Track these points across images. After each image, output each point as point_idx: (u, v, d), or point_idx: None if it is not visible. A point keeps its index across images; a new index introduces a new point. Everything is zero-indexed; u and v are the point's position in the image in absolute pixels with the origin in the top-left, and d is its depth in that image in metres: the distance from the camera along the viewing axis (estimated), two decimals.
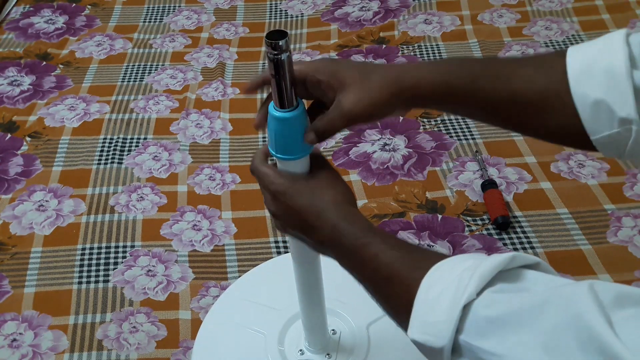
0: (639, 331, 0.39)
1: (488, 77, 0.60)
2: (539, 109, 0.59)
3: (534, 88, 0.59)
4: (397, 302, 0.53)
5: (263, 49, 1.58)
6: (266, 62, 0.62)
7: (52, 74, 1.52)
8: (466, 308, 0.46)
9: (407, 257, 0.55)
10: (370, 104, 0.62)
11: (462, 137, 1.31)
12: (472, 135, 1.32)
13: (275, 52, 0.59)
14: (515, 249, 1.09)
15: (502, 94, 0.60)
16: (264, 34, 1.66)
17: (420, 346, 0.50)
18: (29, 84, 1.49)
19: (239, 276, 1.06)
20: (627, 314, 0.40)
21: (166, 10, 1.74)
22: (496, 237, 1.11)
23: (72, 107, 1.42)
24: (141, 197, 1.21)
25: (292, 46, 1.58)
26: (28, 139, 1.34)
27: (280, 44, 0.58)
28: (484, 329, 0.45)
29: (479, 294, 0.47)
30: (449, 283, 0.49)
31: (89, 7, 1.75)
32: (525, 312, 0.44)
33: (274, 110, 0.63)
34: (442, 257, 0.52)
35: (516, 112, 0.60)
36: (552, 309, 0.42)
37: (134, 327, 1.01)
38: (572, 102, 0.57)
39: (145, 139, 1.34)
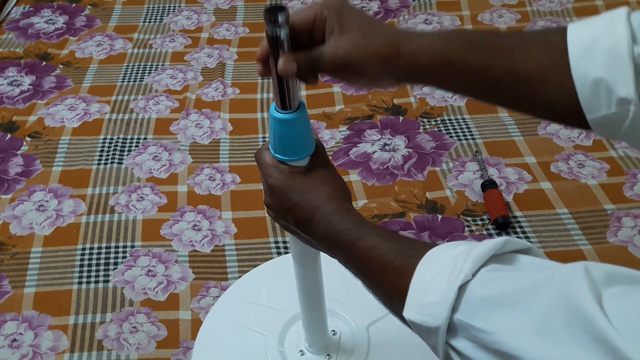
0: (626, 308, 0.40)
1: (489, 48, 0.59)
2: (537, 84, 0.58)
3: (533, 63, 0.58)
4: (392, 289, 0.54)
5: None
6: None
7: (52, 74, 1.52)
8: (461, 289, 0.47)
9: (400, 247, 0.55)
10: (365, 55, 0.59)
11: (462, 137, 1.31)
12: (472, 135, 1.32)
13: (274, 26, 0.57)
14: None
15: (501, 67, 0.58)
16: (264, 34, 1.67)
17: (416, 326, 0.51)
18: (29, 84, 1.49)
19: (239, 276, 1.06)
20: (616, 291, 0.41)
21: (166, 10, 1.74)
22: (496, 237, 1.11)
23: (72, 107, 1.42)
24: (141, 197, 1.21)
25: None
26: (28, 139, 1.34)
27: (279, 17, 0.56)
28: (478, 308, 0.46)
29: (474, 275, 0.47)
30: (443, 266, 0.49)
31: (89, 7, 1.75)
32: (520, 292, 0.44)
33: (275, 112, 0.63)
34: (434, 245, 0.53)
35: (514, 86, 0.59)
36: (546, 289, 0.43)
37: (134, 327, 1.01)
38: (571, 80, 0.56)
39: (145, 139, 1.34)
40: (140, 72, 1.52)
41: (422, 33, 0.61)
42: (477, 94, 0.62)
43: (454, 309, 0.47)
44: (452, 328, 0.48)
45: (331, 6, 0.60)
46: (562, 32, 0.58)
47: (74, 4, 1.76)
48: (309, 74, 0.61)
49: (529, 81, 0.58)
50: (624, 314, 0.39)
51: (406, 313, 0.51)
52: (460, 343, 0.47)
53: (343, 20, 0.59)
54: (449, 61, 0.59)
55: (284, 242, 1.13)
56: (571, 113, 0.57)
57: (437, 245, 0.53)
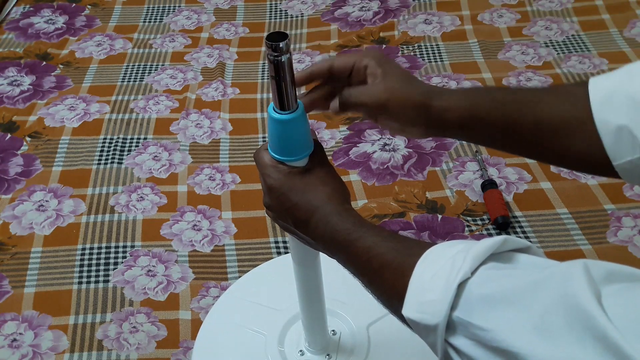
0: (626, 306, 0.40)
1: (513, 103, 0.62)
2: (562, 135, 0.60)
3: (557, 114, 0.60)
4: (391, 289, 0.54)
5: (263, 49, 1.58)
6: (267, 62, 0.62)
7: (52, 74, 1.52)
8: (460, 286, 0.48)
9: (399, 247, 0.56)
10: (403, 96, 0.64)
11: None
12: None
13: (276, 54, 0.59)
14: None
15: (527, 120, 0.62)
16: (264, 34, 1.67)
17: (415, 324, 0.51)
18: (29, 84, 1.49)
19: (239, 276, 1.06)
20: (615, 288, 0.41)
21: (166, 10, 1.74)
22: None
23: (72, 107, 1.42)
24: (141, 197, 1.21)
25: (292, 46, 1.58)
26: (28, 139, 1.34)
27: (280, 45, 0.58)
28: (477, 306, 0.46)
29: (473, 273, 0.48)
30: (442, 264, 0.50)
31: (89, 7, 1.75)
32: (519, 290, 0.45)
33: (273, 112, 0.63)
34: (433, 244, 0.54)
35: (540, 138, 0.62)
36: (545, 287, 0.43)
37: (134, 327, 1.01)
38: (595, 128, 0.58)
39: (145, 139, 1.34)
40: (140, 72, 1.52)
41: (450, 90, 0.66)
42: (505, 146, 0.66)
43: (453, 307, 0.48)
44: (451, 326, 0.48)
45: (372, 55, 0.66)
46: (584, 84, 0.60)
47: (74, 4, 1.76)
48: (351, 107, 0.66)
49: (553, 132, 0.61)
50: (624, 311, 0.39)
51: (405, 311, 0.51)
52: (459, 341, 0.48)
53: (385, 68, 0.65)
54: (475, 117, 0.63)
55: (284, 242, 1.13)
56: (597, 161, 0.59)
57: (435, 244, 0.53)
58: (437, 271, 0.50)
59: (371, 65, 0.65)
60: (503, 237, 0.50)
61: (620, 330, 0.38)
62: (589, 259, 0.44)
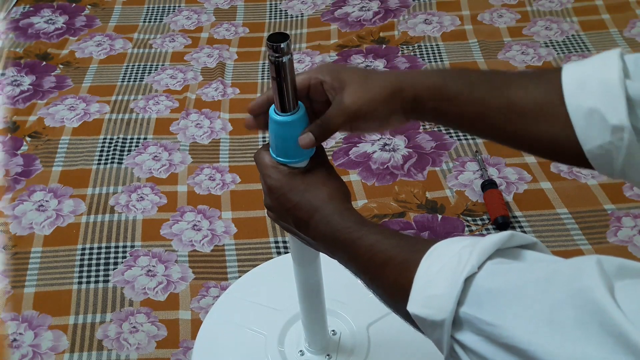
0: (636, 300, 0.40)
1: (485, 84, 0.62)
2: (534, 118, 0.60)
3: (529, 97, 0.60)
4: (395, 285, 0.54)
5: (263, 49, 1.58)
6: (267, 62, 0.62)
7: (52, 74, 1.52)
8: (467, 281, 0.47)
9: (403, 243, 0.56)
10: (370, 99, 0.62)
11: (462, 137, 1.31)
12: (472, 135, 1.31)
13: (277, 55, 0.59)
14: None
15: (499, 102, 0.61)
16: (264, 34, 1.67)
17: (420, 321, 0.50)
18: (29, 84, 1.49)
19: (239, 276, 1.06)
20: (625, 283, 0.41)
21: (166, 10, 1.74)
22: None
23: (72, 107, 1.42)
24: (141, 197, 1.21)
25: (292, 46, 1.58)
26: (28, 139, 1.34)
27: (282, 46, 0.58)
28: (484, 300, 0.46)
29: (479, 267, 0.47)
30: (448, 259, 0.49)
31: (89, 7, 1.75)
32: (528, 284, 0.44)
33: (274, 114, 0.63)
34: (436, 241, 0.53)
35: (511, 120, 0.61)
36: (555, 282, 0.43)
37: (134, 327, 1.01)
38: (566, 112, 0.58)
39: (145, 139, 1.34)
40: (140, 72, 1.52)
41: (420, 71, 0.65)
42: (477, 129, 0.65)
43: (459, 302, 0.47)
44: (457, 322, 0.48)
45: (326, 71, 0.65)
46: (557, 70, 0.60)
47: (74, 4, 1.76)
48: (325, 137, 0.65)
49: (525, 115, 0.60)
50: (635, 306, 0.39)
51: (410, 307, 0.51)
52: (466, 337, 0.47)
53: (340, 78, 0.64)
54: (448, 97, 0.62)
55: (284, 242, 1.13)
56: (568, 146, 0.59)
57: (439, 241, 0.53)
58: (443, 266, 0.49)
59: (327, 81, 0.64)
60: (509, 232, 0.49)
61: (634, 323, 0.38)
62: (602, 255, 0.43)
